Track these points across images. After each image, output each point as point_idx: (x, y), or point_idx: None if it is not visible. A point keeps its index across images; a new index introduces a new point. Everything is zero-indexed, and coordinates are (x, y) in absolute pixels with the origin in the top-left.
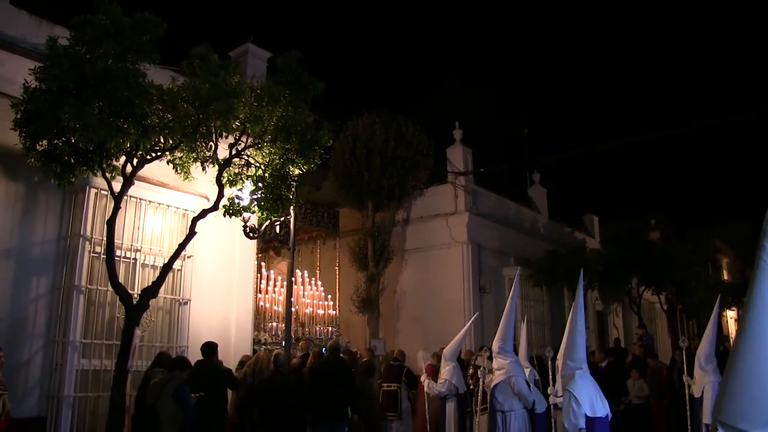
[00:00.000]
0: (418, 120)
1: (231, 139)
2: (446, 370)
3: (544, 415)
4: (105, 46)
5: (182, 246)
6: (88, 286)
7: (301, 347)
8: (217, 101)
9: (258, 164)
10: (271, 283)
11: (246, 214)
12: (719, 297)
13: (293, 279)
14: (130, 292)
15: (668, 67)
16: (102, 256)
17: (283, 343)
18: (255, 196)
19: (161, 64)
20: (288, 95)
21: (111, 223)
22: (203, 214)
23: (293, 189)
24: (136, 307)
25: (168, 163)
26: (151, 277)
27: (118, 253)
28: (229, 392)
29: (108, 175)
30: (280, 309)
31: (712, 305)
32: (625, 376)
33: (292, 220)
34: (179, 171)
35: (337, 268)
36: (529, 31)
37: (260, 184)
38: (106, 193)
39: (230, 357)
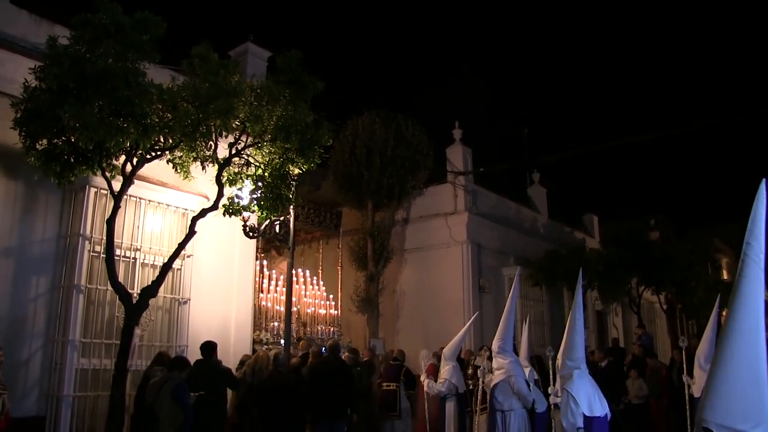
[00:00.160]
0: (417, 119)
1: (231, 139)
2: (446, 369)
3: (544, 415)
4: (105, 46)
5: (182, 245)
6: (88, 286)
7: (301, 347)
8: (217, 100)
9: (258, 163)
10: (273, 282)
11: (246, 214)
12: (719, 297)
13: (296, 279)
14: (130, 291)
15: (668, 67)
16: (102, 255)
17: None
18: (255, 196)
19: (161, 64)
20: (288, 95)
21: (111, 223)
22: (203, 213)
23: (293, 188)
24: (135, 307)
25: (168, 162)
26: (150, 276)
27: (117, 252)
28: (229, 392)
29: (108, 175)
30: (282, 309)
31: (711, 305)
32: (624, 376)
33: (291, 219)
34: (179, 170)
35: (339, 267)
36: (529, 31)
37: (260, 184)
38: (105, 192)
39: (230, 356)
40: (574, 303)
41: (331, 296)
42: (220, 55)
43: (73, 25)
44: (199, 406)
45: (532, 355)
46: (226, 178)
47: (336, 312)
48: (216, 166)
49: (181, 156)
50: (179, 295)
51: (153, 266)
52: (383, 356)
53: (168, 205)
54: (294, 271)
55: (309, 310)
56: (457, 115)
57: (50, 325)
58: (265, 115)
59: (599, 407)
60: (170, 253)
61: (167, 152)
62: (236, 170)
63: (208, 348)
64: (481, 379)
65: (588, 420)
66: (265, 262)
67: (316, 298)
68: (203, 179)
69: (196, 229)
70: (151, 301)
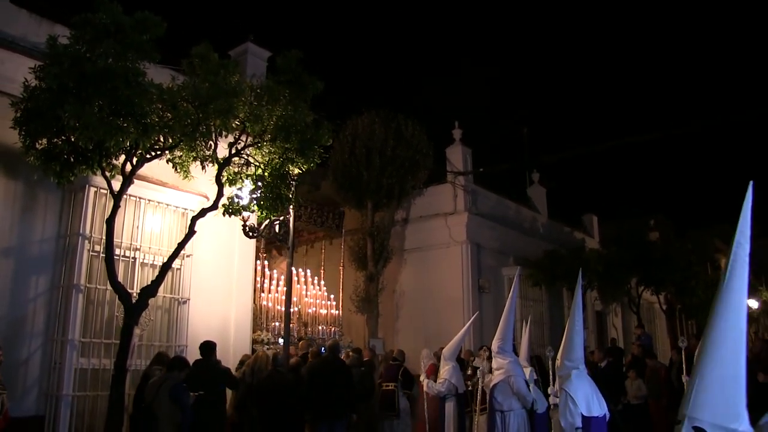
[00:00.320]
0: (417, 119)
1: (231, 138)
2: (445, 369)
3: (545, 415)
4: (105, 45)
5: (181, 245)
6: (88, 285)
7: (300, 347)
8: (217, 100)
9: (257, 163)
10: (274, 282)
11: (245, 214)
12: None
13: (297, 279)
14: (130, 291)
15: (668, 66)
16: (101, 254)
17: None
18: (254, 196)
19: (161, 63)
20: (288, 94)
21: (110, 222)
22: (203, 213)
23: (293, 188)
24: (135, 306)
25: (167, 162)
26: (150, 276)
27: (117, 251)
28: (228, 392)
29: (107, 174)
30: (283, 308)
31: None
32: (623, 376)
33: (291, 219)
34: (179, 170)
35: (341, 267)
36: (528, 31)
37: (260, 184)
38: (105, 191)
39: (229, 356)
40: (574, 303)
41: (332, 296)
42: (220, 55)
43: (73, 24)
44: (198, 405)
45: (532, 356)
46: (225, 177)
47: (337, 312)
48: (216, 166)
49: (181, 156)
50: (179, 294)
51: (152, 266)
52: (383, 356)
53: (168, 205)
54: (295, 271)
55: (310, 310)
56: (457, 115)
57: (50, 325)
58: (264, 115)
59: (597, 407)
60: (170, 253)
61: (167, 152)
62: (236, 170)
63: (207, 348)
64: (480, 380)
65: (586, 420)
66: (266, 262)
67: (317, 298)
68: (203, 179)
69: (195, 229)
70: (151, 301)
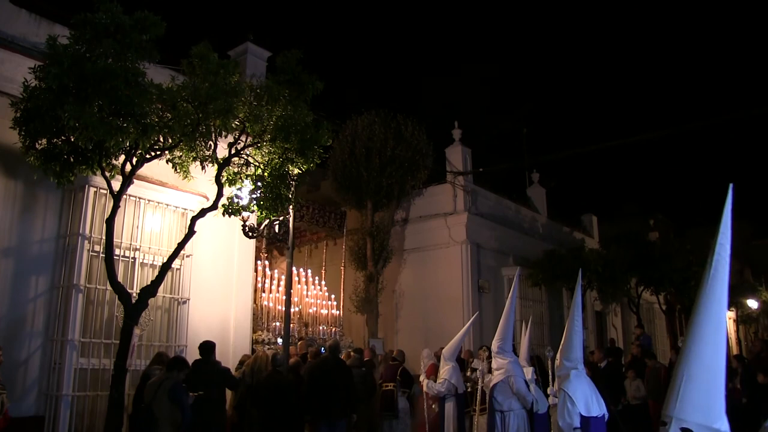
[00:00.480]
0: (417, 119)
1: (230, 139)
2: (445, 369)
3: (545, 415)
4: (105, 45)
5: (181, 245)
6: (87, 285)
7: (299, 347)
8: (217, 100)
9: (257, 163)
10: (275, 282)
11: (245, 214)
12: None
13: (297, 279)
14: (129, 291)
15: (668, 66)
16: (101, 254)
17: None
18: (254, 196)
19: (161, 63)
20: (287, 94)
21: (110, 222)
22: (202, 213)
23: (292, 188)
24: (135, 306)
25: (167, 162)
26: (150, 276)
27: (117, 252)
28: (228, 391)
29: (107, 174)
30: (284, 308)
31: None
32: (623, 376)
33: (291, 219)
34: (178, 170)
35: (342, 268)
36: (528, 31)
37: (259, 184)
38: (105, 191)
39: (229, 356)
40: (573, 303)
41: (332, 296)
42: (220, 55)
43: (72, 24)
44: (197, 405)
45: (532, 356)
46: (225, 177)
47: (338, 312)
48: (215, 166)
49: (181, 156)
50: (178, 294)
51: (152, 266)
52: (383, 356)
53: (167, 205)
54: (296, 271)
55: (311, 310)
56: (456, 115)
57: (49, 325)
58: (264, 115)
59: (597, 407)
60: (169, 253)
61: (167, 152)
62: (236, 170)
63: (207, 348)
64: (480, 380)
65: (585, 420)
66: (267, 262)
67: (317, 298)
68: (203, 179)
69: (195, 229)
70: (151, 301)
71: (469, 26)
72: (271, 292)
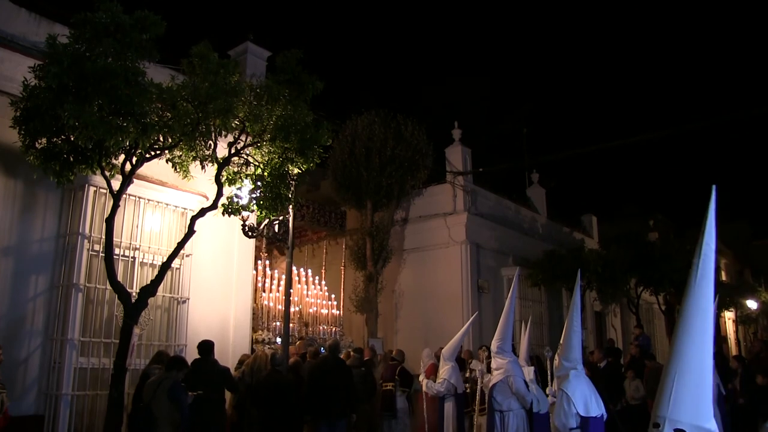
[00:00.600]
0: (417, 119)
1: (230, 138)
2: (445, 369)
3: (547, 415)
4: (105, 44)
5: (181, 244)
6: (87, 285)
7: (298, 346)
8: (217, 100)
9: (257, 163)
10: (275, 282)
11: (245, 213)
12: (717, 297)
13: (298, 278)
14: (129, 290)
15: (668, 66)
16: (101, 254)
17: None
18: (254, 195)
19: (161, 63)
20: (287, 94)
21: (110, 222)
22: (202, 212)
23: (292, 188)
24: (134, 306)
25: (167, 161)
26: (149, 275)
27: (116, 251)
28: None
29: (107, 174)
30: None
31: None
32: (622, 376)
33: (291, 219)
34: (178, 169)
35: (342, 267)
36: (528, 31)
37: (259, 183)
38: (105, 191)
39: (229, 356)
40: (572, 303)
41: (333, 296)
42: (220, 54)
43: (72, 23)
44: (197, 405)
45: (531, 356)
46: (225, 177)
47: (338, 312)
48: (215, 166)
49: (181, 155)
50: (178, 294)
51: (152, 265)
52: (382, 356)
53: (167, 205)
54: (296, 271)
55: (311, 310)
56: (456, 115)
57: (49, 324)
58: (264, 114)
59: (595, 407)
60: (169, 253)
61: (166, 151)
62: (235, 170)
63: (206, 347)
64: (479, 380)
65: (584, 420)
66: (267, 262)
67: (318, 297)
68: (202, 178)
69: (195, 229)
70: (150, 300)
71: (470, 26)
72: (271, 291)
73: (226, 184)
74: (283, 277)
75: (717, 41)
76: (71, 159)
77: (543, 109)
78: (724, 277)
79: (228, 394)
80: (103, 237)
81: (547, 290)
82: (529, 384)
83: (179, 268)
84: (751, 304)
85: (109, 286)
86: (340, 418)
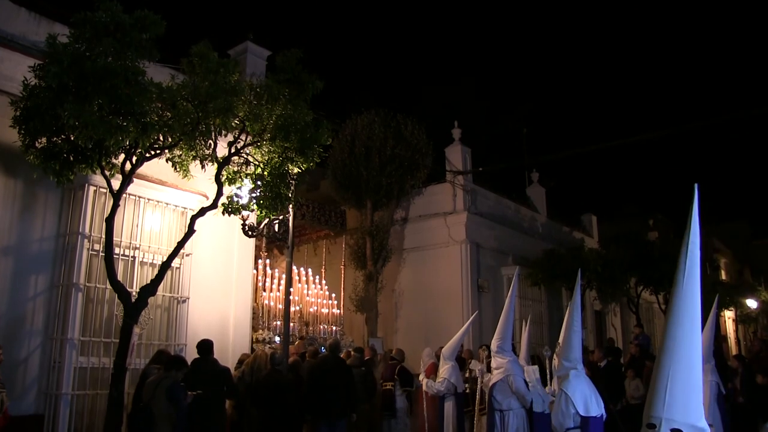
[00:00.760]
0: (417, 119)
1: (230, 138)
2: (445, 369)
3: (548, 415)
4: (105, 44)
5: (181, 244)
6: (87, 284)
7: (297, 346)
8: (217, 99)
9: (257, 162)
10: (275, 281)
11: (245, 213)
12: (717, 297)
13: (298, 278)
14: (129, 289)
15: (668, 66)
16: (101, 253)
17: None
18: (254, 195)
19: (161, 62)
20: (287, 93)
21: (110, 221)
22: (202, 212)
23: (292, 187)
24: (134, 305)
25: (167, 161)
26: (149, 275)
27: (116, 250)
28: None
29: (107, 173)
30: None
31: (709, 305)
32: (623, 376)
33: (291, 218)
34: (178, 169)
35: (342, 267)
36: (528, 30)
37: (259, 183)
38: (105, 190)
39: (229, 355)
40: (572, 303)
41: (333, 295)
42: (220, 54)
43: (72, 23)
44: (196, 404)
45: (531, 355)
46: (225, 176)
47: (338, 311)
48: (215, 165)
49: (181, 155)
50: (178, 293)
51: (152, 265)
52: (382, 355)
53: (167, 204)
54: (296, 270)
55: (311, 309)
56: (456, 115)
57: (49, 324)
58: (264, 114)
59: (595, 407)
60: (169, 252)
61: (166, 151)
62: (235, 169)
63: (205, 346)
64: (479, 379)
65: (584, 420)
66: (267, 261)
67: (318, 297)
68: (202, 178)
69: (195, 228)
70: (150, 300)
71: (470, 26)
72: (271, 290)
73: (226, 183)
74: (283, 276)
75: (717, 41)
76: (71, 158)
77: (543, 109)
78: (723, 277)
79: None
80: (103, 236)
81: (547, 289)
82: (534, 383)
83: (179, 268)
84: (751, 303)
85: (109, 286)
86: (340, 417)
